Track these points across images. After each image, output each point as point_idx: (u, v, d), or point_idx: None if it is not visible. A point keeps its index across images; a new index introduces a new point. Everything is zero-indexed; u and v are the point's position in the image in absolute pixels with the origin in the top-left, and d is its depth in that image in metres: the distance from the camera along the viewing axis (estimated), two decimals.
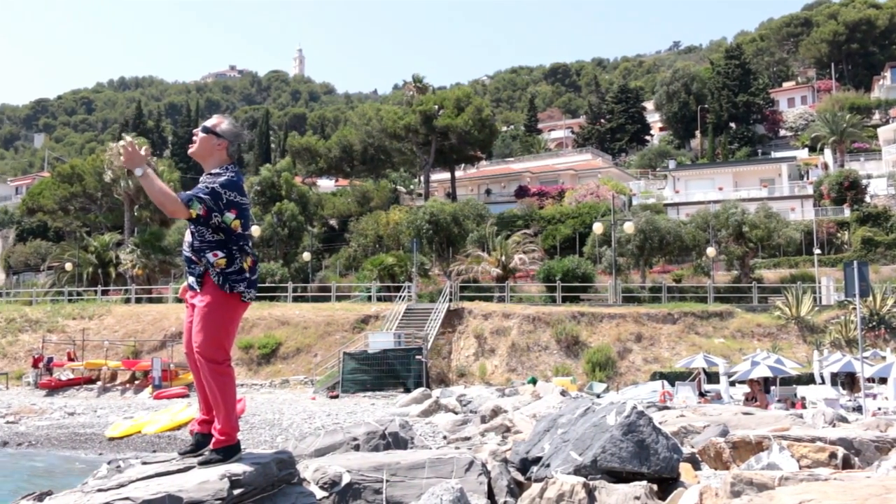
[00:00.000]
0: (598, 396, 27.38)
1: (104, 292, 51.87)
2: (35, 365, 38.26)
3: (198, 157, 6.18)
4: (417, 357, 33.69)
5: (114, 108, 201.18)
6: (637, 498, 6.08)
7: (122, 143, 5.56)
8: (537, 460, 7.20)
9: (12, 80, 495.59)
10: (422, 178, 74.10)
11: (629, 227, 42.66)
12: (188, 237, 6.03)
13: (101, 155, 66.72)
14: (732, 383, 26.00)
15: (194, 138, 6.19)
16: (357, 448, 8.64)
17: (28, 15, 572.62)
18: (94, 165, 64.74)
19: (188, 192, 5.83)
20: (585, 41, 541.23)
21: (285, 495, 5.93)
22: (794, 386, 26.44)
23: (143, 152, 5.79)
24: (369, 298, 44.50)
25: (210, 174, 6.01)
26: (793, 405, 22.71)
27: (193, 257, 5.96)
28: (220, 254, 5.89)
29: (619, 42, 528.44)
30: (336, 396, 32.30)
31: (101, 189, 63.20)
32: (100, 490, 5.61)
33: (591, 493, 6.19)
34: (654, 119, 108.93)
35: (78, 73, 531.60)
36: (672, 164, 78.65)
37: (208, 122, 6.23)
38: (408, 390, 31.37)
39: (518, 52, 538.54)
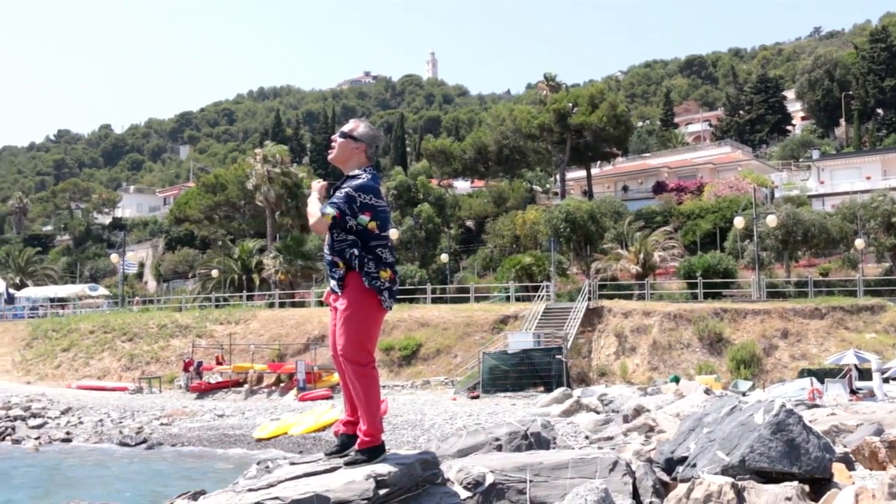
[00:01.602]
0: (744, 394, 26.78)
1: (249, 298, 53.33)
2: (186, 369, 39.44)
3: (337, 163, 6.26)
4: (557, 356, 33.49)
5: (254, 117, 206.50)
6: (788, 499, 5.92)
7: (314, 183, 6.22)
8: (683, 460, 7.08)
9: (158, 95, 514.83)
10: (557, 177, 73.79)
11: (772, 221, 41.62)
12: (328, 239, 6.08)
13: (242, 164, 68.64)
14: (886, 380, 25.07)
15: (333, 144, 6.27)
16: (499, 448, 8.63)
17: (170, 33, 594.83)
18: (236, 174, 66.63)
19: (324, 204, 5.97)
20: (721, 31, 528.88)
21: (430, 495, 5.98)
22: None
23: (317, 185, 6.31)
24: (507, 299, 44.49)
25: (349, 177, 6.11)
26: None
27: (334, 258, 6.03)
28: (357, 251, 5.95)
29: (757, 30, 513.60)
30: (477, 397, 32.40)
31: (244, 197, 64.84)
32: (250, 490, 5.77)
33: (739, 493, 6.05)
34: (795, 108, 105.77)
35: (219, 86, 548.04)
36: (816, 154, 76.14)
37: (345, 127, 6.30)
38: (549, 390, 31.21)
39: (651, 45, 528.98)
